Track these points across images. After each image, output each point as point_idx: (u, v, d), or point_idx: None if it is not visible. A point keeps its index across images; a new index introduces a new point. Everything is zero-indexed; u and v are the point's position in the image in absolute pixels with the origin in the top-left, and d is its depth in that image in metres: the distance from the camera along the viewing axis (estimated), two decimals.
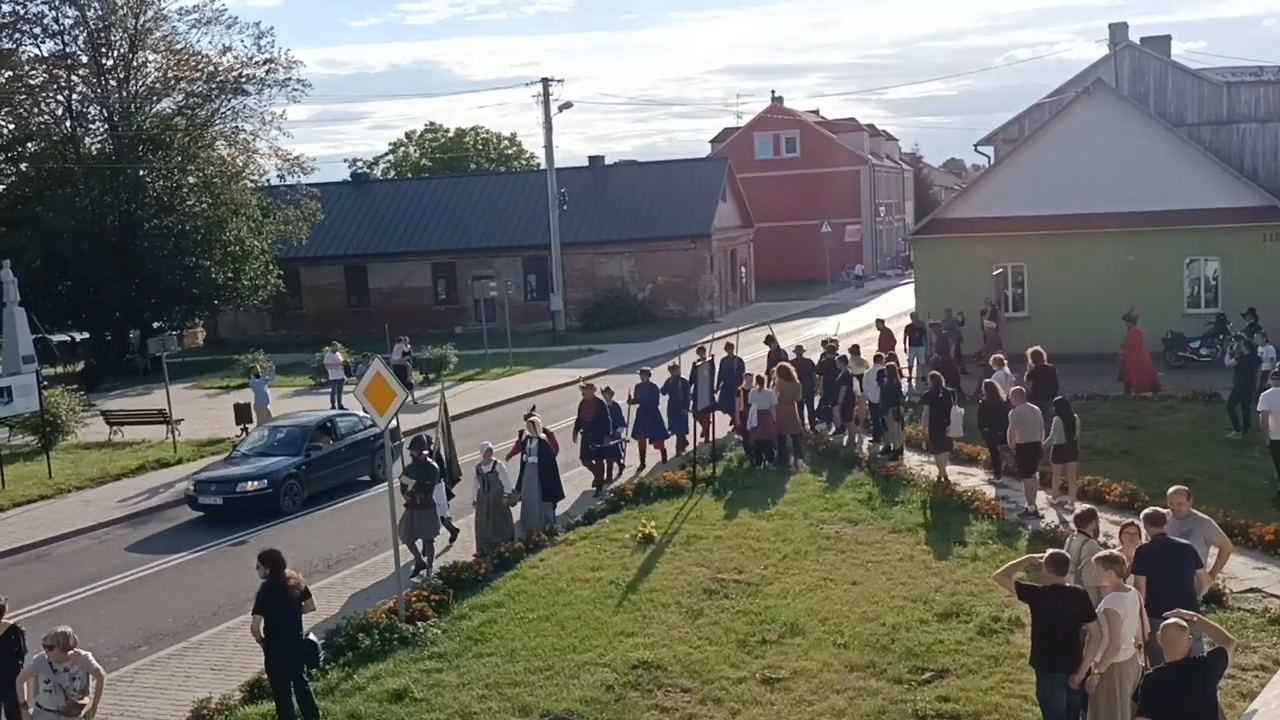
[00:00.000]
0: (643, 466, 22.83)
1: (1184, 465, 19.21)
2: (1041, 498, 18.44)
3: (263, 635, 11.50)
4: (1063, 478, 18.40)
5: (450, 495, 18.35)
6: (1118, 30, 39.35)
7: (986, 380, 20.41)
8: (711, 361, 23.00)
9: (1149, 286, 31.49)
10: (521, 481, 18.47)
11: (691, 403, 22.92)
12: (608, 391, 22.39)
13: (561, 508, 19.38)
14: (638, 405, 23.05)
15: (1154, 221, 31.93)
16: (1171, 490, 12.12)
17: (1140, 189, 31.86)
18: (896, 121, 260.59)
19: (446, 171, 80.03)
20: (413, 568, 17.08)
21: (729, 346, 25.76)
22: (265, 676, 12.03)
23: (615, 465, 22.41)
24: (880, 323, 30.94)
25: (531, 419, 19.29)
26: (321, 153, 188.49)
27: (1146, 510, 11.32)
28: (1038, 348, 22.25)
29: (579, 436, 21.78)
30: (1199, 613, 10.19)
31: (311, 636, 11.92)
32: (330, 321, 52.65)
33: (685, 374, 23.80)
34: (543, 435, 18.77)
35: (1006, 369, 21.35)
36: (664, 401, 23.66)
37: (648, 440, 23.23)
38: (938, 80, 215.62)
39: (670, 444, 23.93)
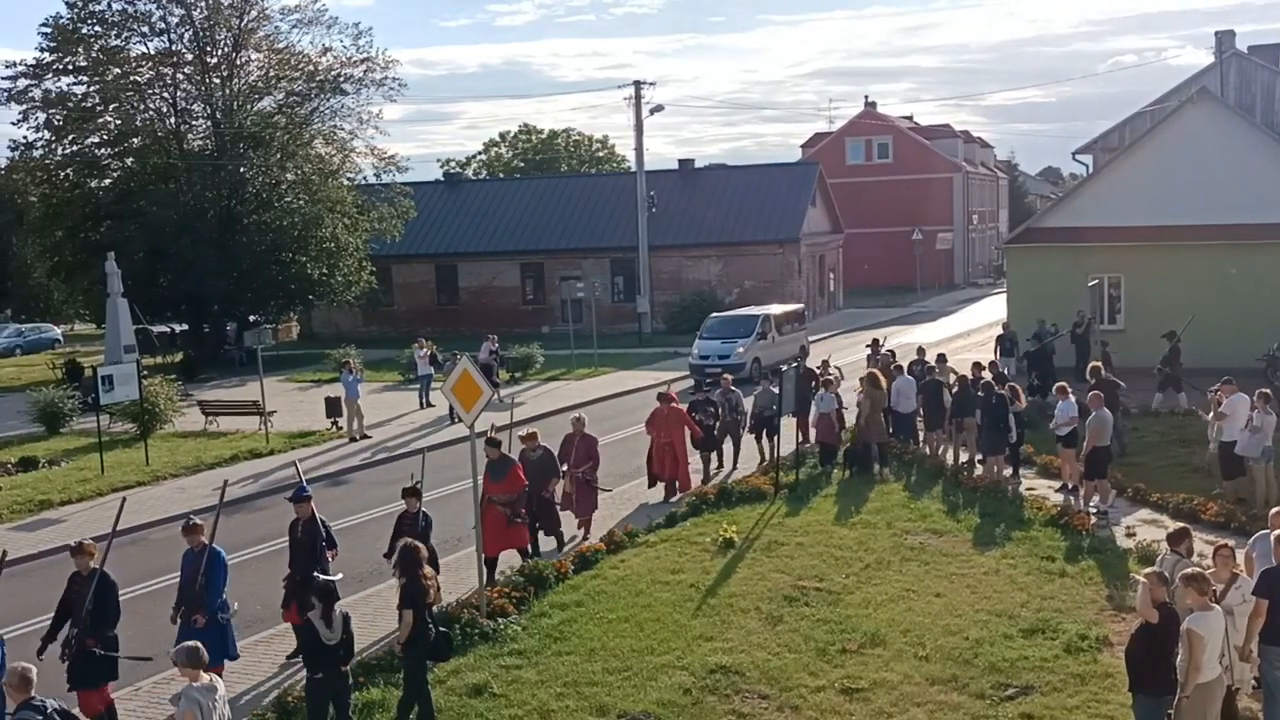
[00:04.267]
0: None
1: None
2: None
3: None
4: (1070, 463, 19.81)
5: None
6: (1224, 38, 38.46)
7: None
8: (790, 371, 22.61)
9: (1253, 300, 30.68)
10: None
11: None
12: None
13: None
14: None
15: (1258, 234, 31.05)
16: (1274, 511, 11.76)
17: (1244, 200, 30.99)
18: (992, 128, 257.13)
19: (537, 172, 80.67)
20: None
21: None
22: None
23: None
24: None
25: (83, 542, 12.28)
26: (414, 152, 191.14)
27: (1278, 532, 10.95)
28: (1097, 363, 22.66)
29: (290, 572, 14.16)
30: None
31: (443, 628, 12.13)
32: (420, 319, 53.45)
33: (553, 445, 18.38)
34: (96, 566, 11.93)
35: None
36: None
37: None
38: (1036, 86, 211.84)
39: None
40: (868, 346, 28.36)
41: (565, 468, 18.34)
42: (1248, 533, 14.52)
